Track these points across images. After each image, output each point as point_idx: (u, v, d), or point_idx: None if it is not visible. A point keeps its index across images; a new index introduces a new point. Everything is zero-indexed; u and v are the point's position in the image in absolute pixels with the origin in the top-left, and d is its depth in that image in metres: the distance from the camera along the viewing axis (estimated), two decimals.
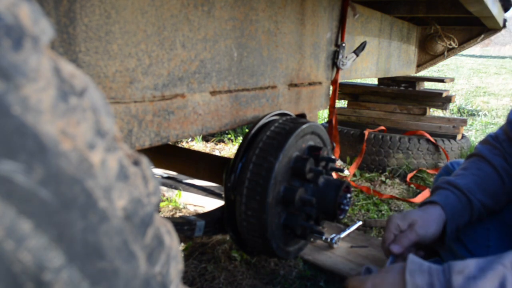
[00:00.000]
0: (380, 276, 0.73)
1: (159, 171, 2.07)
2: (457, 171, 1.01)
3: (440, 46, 2.79)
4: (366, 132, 2.50)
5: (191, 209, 1.79)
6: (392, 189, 2.23)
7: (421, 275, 0.68)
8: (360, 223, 1.66)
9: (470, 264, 0.66)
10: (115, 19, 0.71)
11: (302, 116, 1.39)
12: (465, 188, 0.94)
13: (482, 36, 2.71)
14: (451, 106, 4.84)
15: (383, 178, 2.36)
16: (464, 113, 4.90)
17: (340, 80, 1.60)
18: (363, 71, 1.96)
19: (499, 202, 0.96)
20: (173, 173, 2.05)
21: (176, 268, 0.36)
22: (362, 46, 1.64)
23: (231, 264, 1.35)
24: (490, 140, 1.02)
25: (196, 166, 1.36)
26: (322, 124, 2.58)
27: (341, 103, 3.79)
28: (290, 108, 1.31)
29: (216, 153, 2.86)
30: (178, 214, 1.76)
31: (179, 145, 2.73)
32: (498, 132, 1.02)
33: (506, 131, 1.00)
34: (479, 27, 2.70)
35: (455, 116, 4.17)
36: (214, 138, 3.14)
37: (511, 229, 0.99)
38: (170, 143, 1.27)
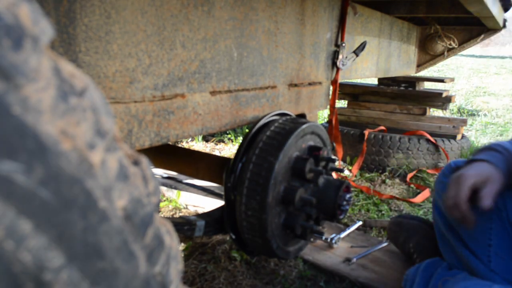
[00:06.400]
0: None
1: (159, 171, 2.07)
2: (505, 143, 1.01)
3: (440, 46, 2.79)
4: (366, 132, 2.50)
5: (191, 209, 1.79)
6: (392, 189, 2.23)
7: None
8: (360, 223, 1.66)
9: None
10: (115, 19, 0.71)
11: (302, 116, 1.39)
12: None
13: (482, 36, 2.71)
14: (451, 106, 4.84)
15: (383, 178, 2.36)
16: (464, 113, 4.89)
17: (340, 80, 1.60)
18: (363, 71, 1.96)
19: None
20: (173, 173, 2.05)
21: (176, 268, 0.36)
22: (362, 46, 1.64)
23: (231, 264, 1.35)
24: None
25: (196, 166, 1.36)
26: (322, 124, 2.58)
27: (341, 103, 3.79)
28: (290, 108, 1.31)
29: (216, 153, 2.86)
30: (178, 214, 1.76)
31: (179, 145, 2.73)
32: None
33: None
34: (479, 27, 2.70)
35: (455, 116, 4.16)
36: (214, 138, 3.14)
37: None
38: (170, 143, 1.27)
